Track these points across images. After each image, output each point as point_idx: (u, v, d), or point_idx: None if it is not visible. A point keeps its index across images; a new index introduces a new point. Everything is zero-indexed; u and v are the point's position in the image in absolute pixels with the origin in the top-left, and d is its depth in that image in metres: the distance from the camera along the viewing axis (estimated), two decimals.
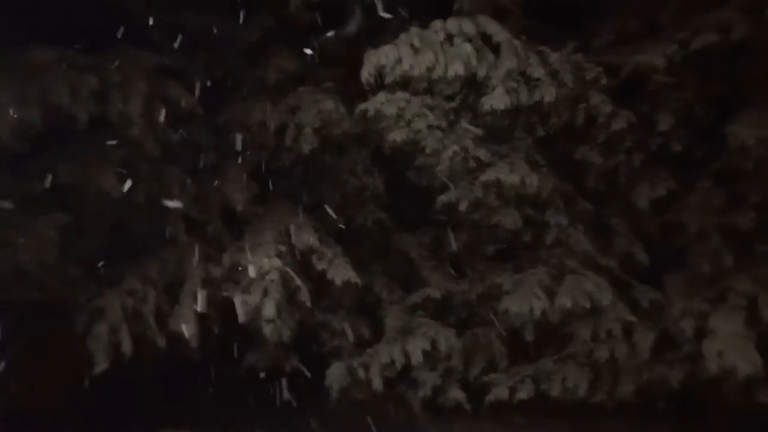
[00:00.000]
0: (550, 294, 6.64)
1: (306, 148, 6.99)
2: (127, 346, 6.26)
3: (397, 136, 6.88)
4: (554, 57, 6.78)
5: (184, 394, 6.56)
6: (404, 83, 6.88)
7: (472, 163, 6.93)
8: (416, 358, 6.79)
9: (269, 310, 6.44)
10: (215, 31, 7.02)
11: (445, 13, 6.97)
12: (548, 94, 6.65)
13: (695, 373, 6.34)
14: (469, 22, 6.81)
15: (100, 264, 6.52)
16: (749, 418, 6.23)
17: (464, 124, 6.92)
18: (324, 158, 7.29)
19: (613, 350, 6.61)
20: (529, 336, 6.84)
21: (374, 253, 7.62)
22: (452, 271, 7.48)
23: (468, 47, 6.71)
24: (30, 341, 5.98)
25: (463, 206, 6.92)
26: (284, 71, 7.31)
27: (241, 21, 6.98)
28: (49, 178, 6.06)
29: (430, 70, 6.68)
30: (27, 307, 5.93)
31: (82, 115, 6.18)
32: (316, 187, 7.41)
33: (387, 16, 6.99)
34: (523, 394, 6.73)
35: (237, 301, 6.50)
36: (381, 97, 6.85)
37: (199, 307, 6.47)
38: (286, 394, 6.81)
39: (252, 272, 6.53)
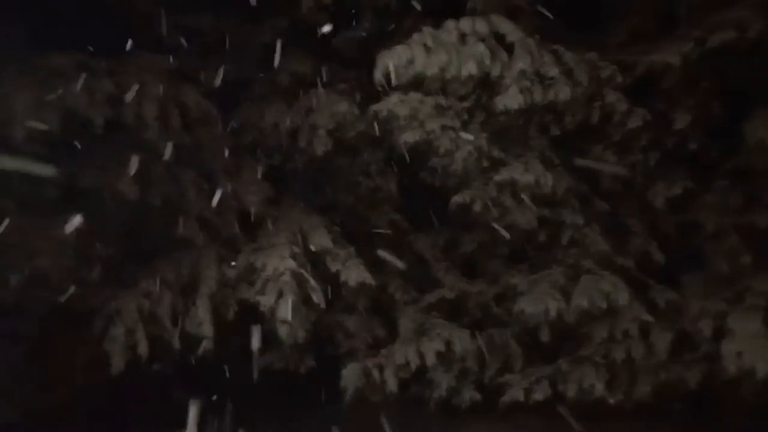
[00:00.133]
0: (566, 294, 6.58)
1: (320, 149, 7.06)
2: (143, 348, 6.34)
3: (410, 136, 6.86)
4: (568, 56, 6.73)
5: (199, 396, 6.62)
6: (417, 84, 6.86)
7: (486, 163, 6.92)
8: (431, 359, 6.78)
9: (284, 311, 6.50)
10: (229, 34, 7.10)
11: (458, 13, 6.93)
12: (562, 93, 6.61)
13: (713, 373, 6.26)
14: (483, 21, 6.77)
15: (117, 266, 6.59)
16: None
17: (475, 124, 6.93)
18: (337, 160, 7.34)
19: (629, 351, 6.54)
20: (545, 337, 6.80)
21: (389, 254, 7.56)
22: (467, 272, 7.47)
23: (481, 47, 6.66)
24: (47, 343, 6.07)
25: (477, 206, 6.90)
26: (297, 73, 7.36)
27: (254, 24, 7.03)
28: (66, 182, 6.15)
29: (443, 70, 6.64)
30: (45, 310, 6.03)
31: (98, 119, 6.28)
32: (329, 189, 7.46)
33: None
34: (538, 395, 6.68)
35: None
36: (394, 97, 6.84)
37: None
38: (301, 395, 6.86)
39: (266, 274, 6.59)
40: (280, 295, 6.55)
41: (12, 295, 6.01)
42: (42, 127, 6.00)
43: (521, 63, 6.65)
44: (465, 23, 6.78)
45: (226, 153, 7.12)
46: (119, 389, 6.28)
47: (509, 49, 6.76)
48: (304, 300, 6.70)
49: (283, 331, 6.53)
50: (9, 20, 6.08)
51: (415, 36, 6.69)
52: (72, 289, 6.19)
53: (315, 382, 6.93)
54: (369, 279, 6.83)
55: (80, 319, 6.31)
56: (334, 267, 6.88)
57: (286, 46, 7.16)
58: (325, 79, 7.40)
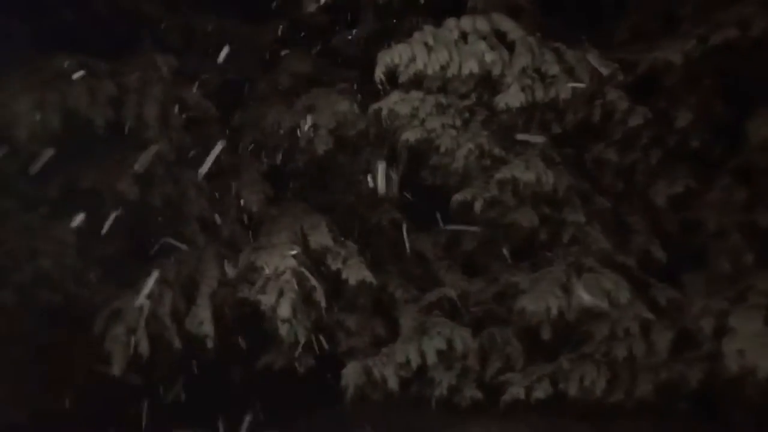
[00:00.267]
0: (568, 292, 6.57)
1: (321, 148, 7.06)
2: (144, 347, 6.33)
3: (411, 135, 6.86)
4: (570, 54, 6.72)
5: (200, 394, 6.65)
6: (418, 82, 6.88)
7: (487, 162, 6.92)
8: (432, 357, 6.77)
9: (284, 310, 6.48)
10: (230, 34, 7.12)
11: (459, 11, 6.94)
12: (564, 91, 6.61)
13: (715, 372, 6.22)
14: (483, 20, 6.77)
15: (118, 266, 6.62)
16: None
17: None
18: (338, 159, 7.35)
19: (631, 349, 6.51)
20: (546, 335, 6.77)
21: (389, 253, 7.63)
22: (468, 271, 7.45)
23: (482, 45, 6.67)
24: (49, 342, 6.13)
25: (478, 205, 6.89)
26: (298, 73, 7.38)
27: (255, 24, 7.05)
28: (68, 182, 6.20)
29: (444, 68, 6.65)
30: (47, 309, 6.09)
31: (99, 119, 6.30)
32: (330, 188, 7.46)
33: None
34: (539, 393, 6.65)
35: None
36: (395, 96, 6.85)
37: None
38: (302, 394, 6.88)
39: (267, 272, 6.61)
40: (281, 294, 6.54)
41: (14, 294, 6.08)
42: (44, 127, 6.06)
43: (522, 61, 6.65)
44: (466, 21, 6.77)
45: (227, 152, 7.11)
46: (119, 389, 6.31)
47: (510, 47, 6.76)
48: (304, 299, 6.71)
49: (283, 329, 6.52)
50: (11, 21, 6.15)
51: (416, 34, 6.70)
52: (74, 288, 6.27)
53: (315, 381, 6.95)
54: (369, 277, 6.81)
55: (82, 319, 6.36)
56: (334, 266, 6.88)
57: (286, 45, 7.22)
58: (326, 78, 7.43)
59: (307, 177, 7.45)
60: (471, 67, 6.62)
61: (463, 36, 6.73)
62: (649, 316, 6.47)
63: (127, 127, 6.48)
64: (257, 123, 7.25)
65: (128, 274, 6.60)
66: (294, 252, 6.75)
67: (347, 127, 7.12)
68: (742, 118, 6.33)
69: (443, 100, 6.94)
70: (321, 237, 6.92)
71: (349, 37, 7.43)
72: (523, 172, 6.68)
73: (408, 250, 7.49)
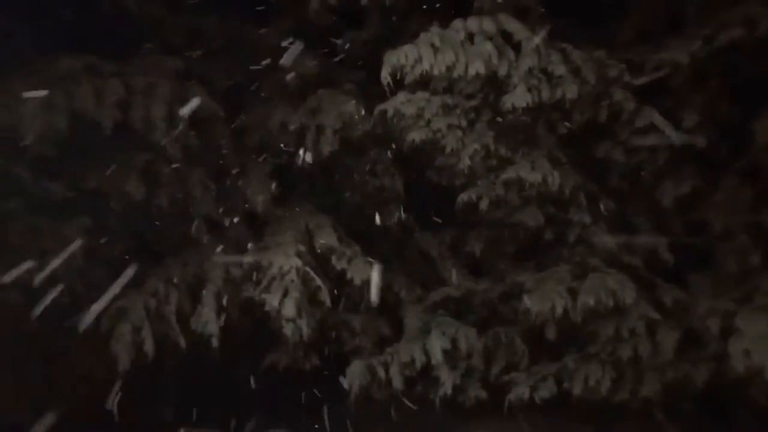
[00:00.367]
0: (573, 292, 6.55)
1: (326, 149, 7.08)
2: (149, 346, 6.38)
3: (416, 135, 6.87)
4: (576, 54, 6.69)
5: (205, 394, 6.69)
6: (424, 83, 6.86)
7: (493, 162, 6.92)
8: (436, 357, 6.79)
9: (289, 309, 6.53)
10: (235, 35, 7.15)
11: (465, 12, 6.94)
12: (570, 91, 6.57)
13: (721, 372, 6.19)
14: (490, 20, 6.75)
15: (124, 265, 6.63)
16: None
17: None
18: (344, 159, 7.37)
19: (636, 349, 6.49)
20: (551, 335, 6.78)
21: (394, 253, 7.66)
22: (473, 270, 7.48)
23: (489, 46, 6.64)
24: (55, 342, 6.18)
25: (483, 205, 6.91)
26: (304, 74, 7.39)
27: (260, 25, 7.07)
28: (75, 182, 6.25)
29: (450, 69, 6.62)
30: (54, 309, 6.14)
31: (106, 120, 6.36)
32: (336, 188, 7.48)
33: None
34: (544, 393, 6.65)
35: None
36: (401, 97, 6.85)
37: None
38: (307, 393, 6.92)
39: (272, 272, 6.64)
40: (286, 293, 6.58)
41: (21, 295, 6.12)
42: (52, 128, 6.11)
43: (529, 61, 6.63)
44: (472, 22, 6.75)
45: (233, 153, 7.19)
46: (124, 388, 6.35)
47: (516, 47, 6.74)
48: (309, 298, 6.75)
49: (288, 329, 6.56)
50: (18, 23, 6.20)
51: (422, 35, 6.68)
52: (80, 288, 6.33)
53: (320, 380, 6.99)
54: (374, 277, 6.81)
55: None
56: (339, 265, 6.91)
57: (292, 46, 7.25)
58: (332, 79, 7.45)
59: (313, 177, 7.47)
60: (477, 67, 6.59)
61: (470, 37, 6.71)
62: (655, 316, 6.45)
63: (134, 127, 6.54)
64: (263, 123, 7.26)
65: (134, 274, 6.66)
66: (299, 251, 6.82)
67: (353, 128, 7.14)
68: (749, 118, 6.31)
69: (449, 100, 6.94)
70: (326, 237, 6.97)
71: (355, 38, 7.42)
72: (529, 172, 6.69)
73: (413, 250, 7.53)
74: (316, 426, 6.94)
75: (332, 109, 7.11)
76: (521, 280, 6.98)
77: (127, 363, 6.33)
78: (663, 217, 7.03)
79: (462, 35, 6.73)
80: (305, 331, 6.67)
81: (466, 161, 6.87)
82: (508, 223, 7.13)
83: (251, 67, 7.30)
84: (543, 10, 7.08)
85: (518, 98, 6.61)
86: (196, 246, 7.01)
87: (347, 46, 7.46)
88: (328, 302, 6.81)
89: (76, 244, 6.08)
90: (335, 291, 7.02)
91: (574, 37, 6.86)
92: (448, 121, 6.89)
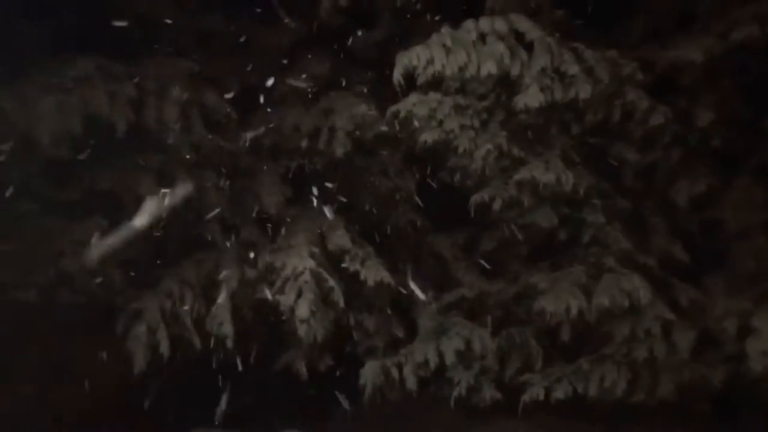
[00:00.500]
0: (587, 293, 6.54)
1: (339, 151, 7.09)
2: (164, 347, 6.44)
3: (429, 136, 6.86)
4: (589, 53, 6.66)
5: (219, 394, 6.70)
6: (436, 83, 6.85)
7: (506, 162, 6.90)
8: (450, 357, 6.79)
9: (303, 310, 6.54)
10: (248, 36, 7.17)
11: (477, 12, 6.92)
12: (583, 90, 6.52)
13: (738, 373, 6.18)
14: (502, 20, 6.71)
15: (139, 267, 6.69)
16: None
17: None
18: (356, 160, 7.37)
19: (652, 349, 6.47)
20: (566, 335, 6.75)
21: (407, 254, 7.63)
22: (486, 271, 7.44)
23: (501, 46, 6.61)
24: (71, 343, 6.20)
25: (497, 205, 6.89)
26: (316, 75, 7.39)
27: (273, 26, 7.08)
28: (89, 184, 6.27)
29: (462, 69, 6.59)
30: (69, 310, 6.16)
31: (120, 122, 6.40)
32: (348, 189, 7.44)
33: None
34: (559, 394, 6.60)
35: None
36: (413, 98, 6.84)
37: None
38: (320, 394, 6.90)
39: (286, 273, 6.66)
40: (300, 294, 6.60)
41: (37, 295, 6.16)
42: (66, 130, 6.14)
43: (541, 61, 6.58)
44: (484, 22, 6.72)
45: (246, 154, 7.19)
46: (139, 389, 6.37)
47: (529, 47, 6.70)
48: (323, 299, 6.75)
49: (302, 330, 6.57)
50: (32, 26, 6.22)
51: (434, 36, 6.65)
52: (95, 289, 6.34)
53: (334, 381, 6.94)
54: (388, 278, 6.84)
55: (104, 319, 6.44)
56: (353, 267, 6.91)
57: (304, 48, 7.26)
58: (343, 80, 7.47)
59: (325, 179, 7.43)
60: (489, 68, 6.56)
61: (482, 37, 6.67)
62: (671, 316, 6.43)
63: (147, 129, 6.58)
64: (276, 125, 7.26)
65: (149, 275, 6.69)
66: (312, 253, 6.83)
67: (365, 129, 7.14)
68: (763, 116, 6.29)
69: (461, 101, 6.93)
70: (339, 238, 6.97)
71: (367, 39, 7.43)
72: (543, 172, 6.64)
73: (426, 251, 7.52)
74: (330, 427, 6.95)
75: (344, 111, 7.12)
76: (535, 281, 6.95)
77: (142, 364, 6.38)
78: (678, 217, 6.99)
79: (474, 35, 6.69)
80: (319, 331, 6.68)
81: (479, 162, 6.85)
82: (521, 224, 7.09)
83: (263, 69, 7.31)
84: (555, 10, 7.11)
85: (531, 98, 6.56)
86: (210, 247, 7.04)
87: (359, 47, 7.44)
88: (341, 303, 6.81)
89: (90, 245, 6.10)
90: (348, 292, 6.99)
91: (585, 36, 6.83)
92: (461, 122, 6.87)
